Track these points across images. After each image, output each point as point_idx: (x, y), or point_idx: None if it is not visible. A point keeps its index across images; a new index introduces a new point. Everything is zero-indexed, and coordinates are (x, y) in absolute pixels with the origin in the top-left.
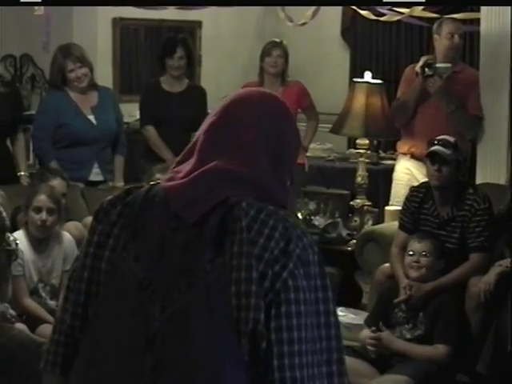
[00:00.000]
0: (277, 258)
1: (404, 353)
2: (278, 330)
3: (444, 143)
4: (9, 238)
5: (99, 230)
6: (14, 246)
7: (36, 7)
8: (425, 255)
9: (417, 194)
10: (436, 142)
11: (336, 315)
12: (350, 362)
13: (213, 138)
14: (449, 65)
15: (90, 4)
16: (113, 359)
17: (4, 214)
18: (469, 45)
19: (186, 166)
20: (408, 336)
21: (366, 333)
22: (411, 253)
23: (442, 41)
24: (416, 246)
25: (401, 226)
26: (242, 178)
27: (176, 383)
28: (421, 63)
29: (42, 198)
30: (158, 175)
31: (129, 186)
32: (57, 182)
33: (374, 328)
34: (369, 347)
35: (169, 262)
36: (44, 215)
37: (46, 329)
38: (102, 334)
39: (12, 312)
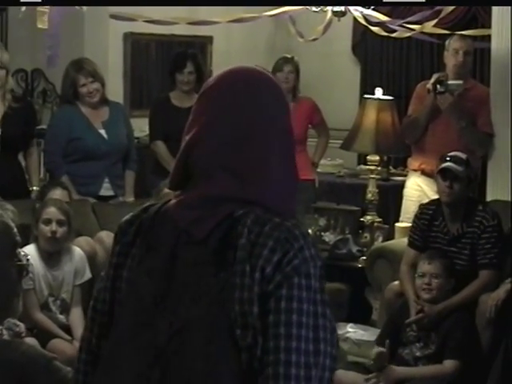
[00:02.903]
0: (277, 272)
1: (411, 378)
2: (276, 335)
3: (456, 160)
4: (20, 253)
5: (117, 252)
6: (25, 261)
7: (39, 21)
8: (435, 277)
9: (426, 211)
10: (448, 159)
11: (332, 332)
12: (360, 378)
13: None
14: (461, 82)
15: (90, 4)
16: (124, 374)
17: (15, 229)
18: (479, 61)
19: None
20: (418, 354)
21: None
22: (421, 274)
23: (449, 57)
24: (426, 267)
25: (410, 244)
26: (244, 197)
27: None
28: (432, 80)
29: (51, 210)
30: (166, 190)
31: (147, 204)
32: (58, 192)
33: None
34: None
35: (178, 278)
36: (54, 226)
37: (57, 344)
38: (118, 349)
39: (22, 327)
